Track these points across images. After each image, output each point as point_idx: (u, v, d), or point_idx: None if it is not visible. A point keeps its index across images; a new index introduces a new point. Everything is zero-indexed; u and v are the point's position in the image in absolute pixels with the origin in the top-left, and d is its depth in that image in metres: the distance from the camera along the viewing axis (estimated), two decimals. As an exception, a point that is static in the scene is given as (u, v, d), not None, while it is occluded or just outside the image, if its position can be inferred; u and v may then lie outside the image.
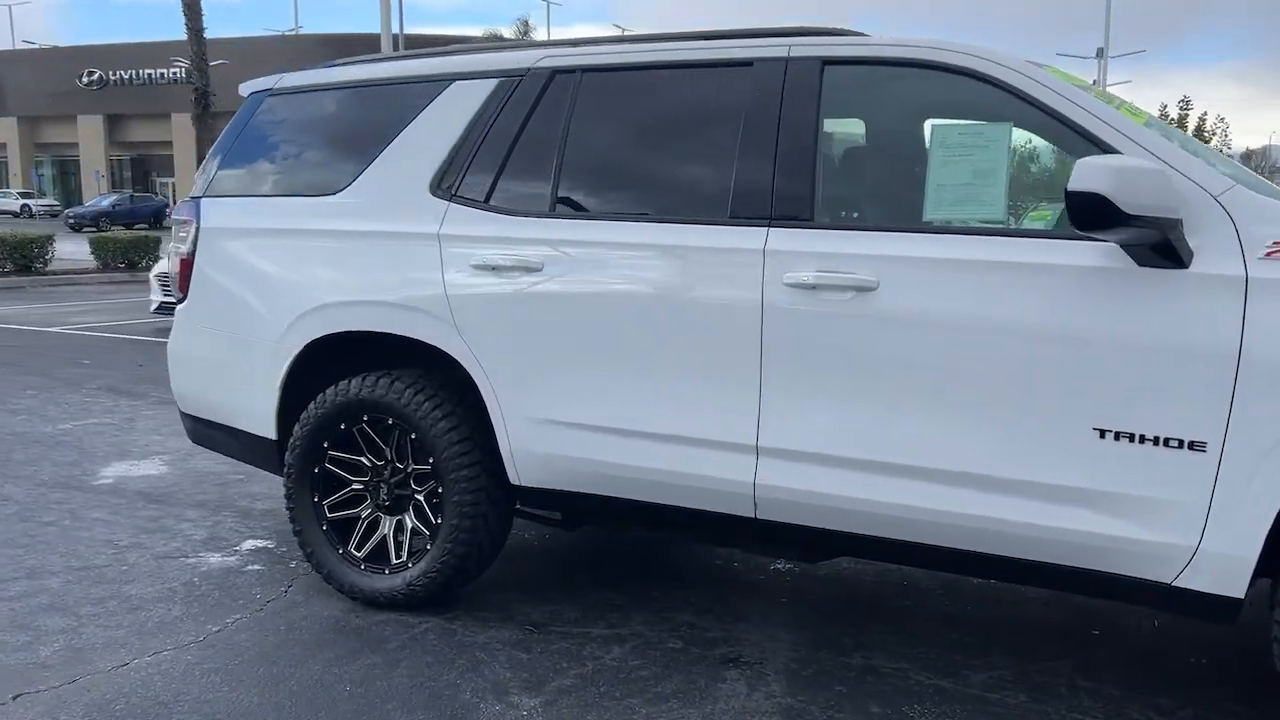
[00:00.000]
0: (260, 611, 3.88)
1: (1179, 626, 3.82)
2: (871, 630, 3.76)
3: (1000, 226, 3.08)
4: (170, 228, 4.48)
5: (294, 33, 59.02)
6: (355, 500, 4.00)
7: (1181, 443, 2.77)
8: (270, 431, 4.10)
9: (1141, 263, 2.79)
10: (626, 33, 3.91)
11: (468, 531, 3.72)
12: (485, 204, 3.72)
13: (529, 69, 3.77)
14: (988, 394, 2.98)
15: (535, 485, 3.68)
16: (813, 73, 3.33)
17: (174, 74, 54.11)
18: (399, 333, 3.79)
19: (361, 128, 4.10)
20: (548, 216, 3.62)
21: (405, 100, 3.99)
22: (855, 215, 3.57)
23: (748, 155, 3.35)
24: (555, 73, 3.73)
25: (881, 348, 3.10)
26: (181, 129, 53.66)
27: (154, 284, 12.74)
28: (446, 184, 3.79)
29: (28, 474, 5.79)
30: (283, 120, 4.30)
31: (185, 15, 21.21)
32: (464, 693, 3.26)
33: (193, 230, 4.28)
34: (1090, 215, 2.70)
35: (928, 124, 3.46)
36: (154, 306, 12.70)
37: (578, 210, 3.64)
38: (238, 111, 4.40)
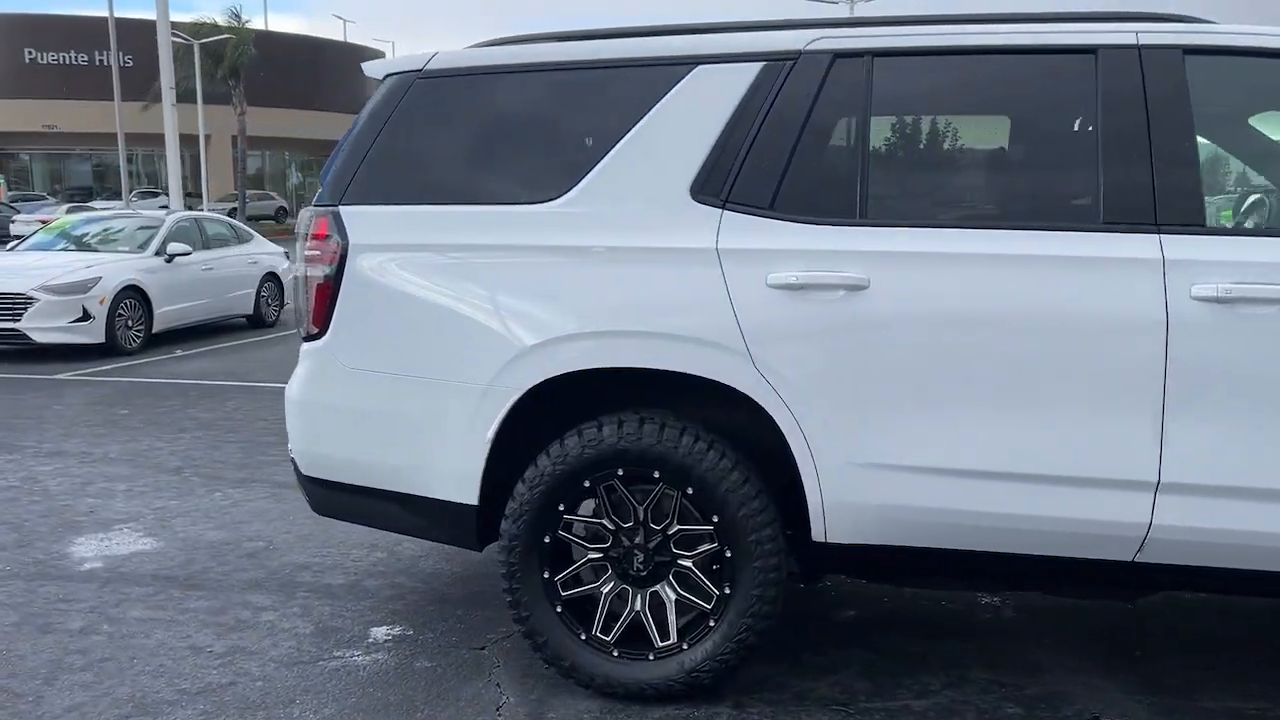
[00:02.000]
0: (502, 724, 3.10)
1: None
2: (1174, 664, 3.48)
3: None
4: None
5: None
6: (593, 573, 3.28)
7: None
8: (470, 495, 3.28)
9: None
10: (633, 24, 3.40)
11: (771, 601, 3.12)
12: (770, 210, 3.12)
13: (800, 51, 3.20)
14: None
15: (850, 541, 3.12)
16: (1175, 62, 3.00)
17: None
18: (673, 369, 3.12)
19: (568, 120, 3.37)
20: (865, 224, 3.08)
21: (627, 87, 3.30)
22: (1246, 220, 3.28)
23: (1115, 153, 2.96)
24: (837, 56, 3.18)
25: (1317, 365, 2.82)
26: None
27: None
28: (713, 187, 3.16)
29: (-29, 563, 4.49)
30: (443, 109, 3.46)
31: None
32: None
33: (336, 247, 3.37)
34: None
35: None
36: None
37: (893, 215, 3.13)
38: (374, 99, 3.50)
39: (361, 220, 3.37)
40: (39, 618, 3.87)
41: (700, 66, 3.24)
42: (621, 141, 3.24)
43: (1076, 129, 3.13)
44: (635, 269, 3.17)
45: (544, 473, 3.19)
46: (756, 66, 3.21)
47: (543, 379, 3.17)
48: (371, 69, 3.57)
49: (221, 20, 44.42)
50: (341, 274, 3.36)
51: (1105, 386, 2.91)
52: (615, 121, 3.27)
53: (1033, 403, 2.95)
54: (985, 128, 3.21)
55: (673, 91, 3.23)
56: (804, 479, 3.09)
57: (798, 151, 3.14)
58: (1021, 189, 3.17)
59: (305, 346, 3.48)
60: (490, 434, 3.22)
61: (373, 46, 60.20)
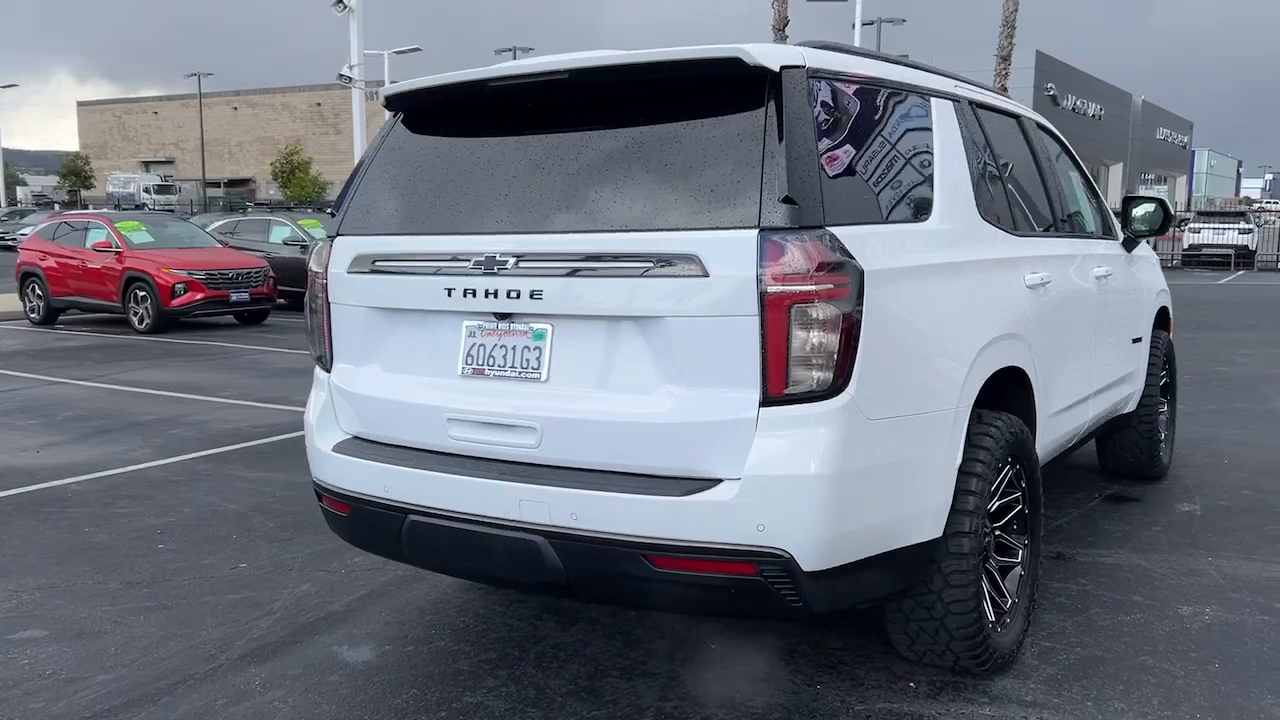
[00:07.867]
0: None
1: None
2: None
3: None
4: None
5: None
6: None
7: None
8: (939, 529, 3.15)
9: None
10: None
11: (1042, 539, 3.85)
12: (998, 224, 3.78)
13: (958, 96, 3.84)
14: None
15: (1025, 478, 4.06)
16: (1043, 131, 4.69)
17: None
18: (1013, 364, 3.60)
19: (903, 139, 3.38)
20: (1041, 236, 4.11)
21: (918, 113, 3.49)
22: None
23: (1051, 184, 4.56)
24: (969, 103, 3.92)
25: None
26: None
27: None
28: (983, 206, 3.67)
29: None
30: (841, 116, 3.05)
31: None
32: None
33: (847, 279, 2.74)
34: None
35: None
36: None
37: (1028, 229, 4.12)
38: (788, 94, 2.79)
39: (862, 244, 2.87)
40: None
41: (933, 99, 3.63)
42: (935, 165, 3.45)
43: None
44: (983, 280, 3.53)
45: (987, 479, 3.30)
46: (951, 104, 3.75)
47: (979, 389, 3.29)
48: (762, 53, 2.80)
49: None
50: (861, 310, 2.77)
51: (1094, 332, 4.52)
52: (924, 143, 3.45)
53: (1096, 346, 4.43)
54: (1031, 168, 4.39)
55: (935, 119, 3.58)
56: (1037, 438, 3.91)
57: (987, 177, 3.86)
58: (1057, 207, 4.46)
59: (803, 409, 2.73)
60: (960, 457, 3.18)
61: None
